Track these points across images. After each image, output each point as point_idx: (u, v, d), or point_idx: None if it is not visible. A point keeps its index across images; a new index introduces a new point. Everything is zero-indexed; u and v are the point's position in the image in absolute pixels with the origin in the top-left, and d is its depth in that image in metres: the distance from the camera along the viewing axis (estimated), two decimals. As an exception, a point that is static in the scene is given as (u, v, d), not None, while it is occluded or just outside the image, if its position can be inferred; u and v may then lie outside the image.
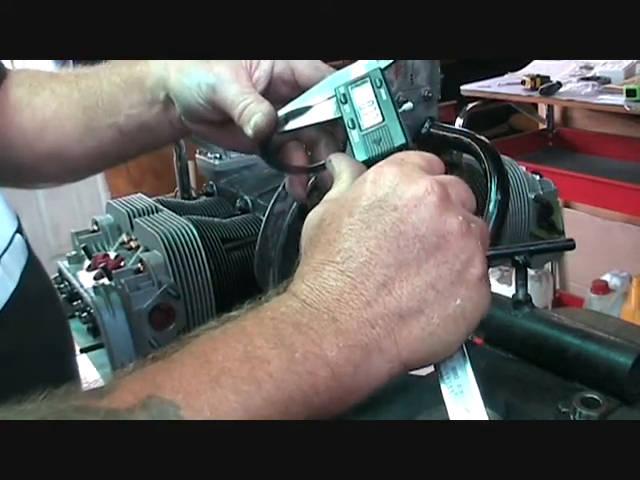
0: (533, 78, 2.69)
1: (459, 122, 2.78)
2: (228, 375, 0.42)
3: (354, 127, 0.56)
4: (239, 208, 1.01)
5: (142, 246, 0.91)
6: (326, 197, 0.53)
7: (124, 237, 0.97)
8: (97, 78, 0.75)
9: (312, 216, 0.52)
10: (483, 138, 0.83)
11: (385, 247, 0.46)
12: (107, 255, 0.96)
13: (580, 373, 0.59)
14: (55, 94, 0.76)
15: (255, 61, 0.67)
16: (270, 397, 0.42)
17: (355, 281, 0.45)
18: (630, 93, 2.33)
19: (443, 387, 0.48)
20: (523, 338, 0.63)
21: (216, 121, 0.69)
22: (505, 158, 0.92)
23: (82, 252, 0.96)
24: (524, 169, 1.06)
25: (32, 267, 0.68)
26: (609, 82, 2.54)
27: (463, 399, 0.48)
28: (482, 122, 3.11)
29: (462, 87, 2.90)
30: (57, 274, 0.97)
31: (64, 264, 0.98)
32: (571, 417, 0.54)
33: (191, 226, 0.89)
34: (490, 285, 0.48)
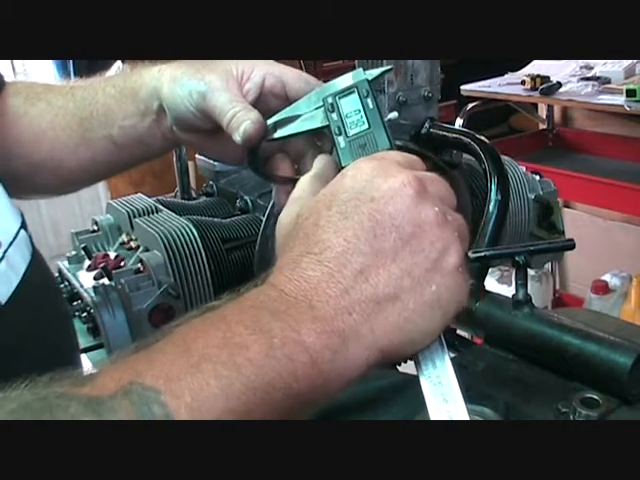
0: (533, 78, 2.69)
1: (459, 122, 2.78)
2: (208, 361, 0.42)
3: (340, 134, 0.58)
4: (239, 208, 1.01)
5: (142, 246, 0.91)
6: (290, 197, 0.55)
7: (124, 237, 0.97)
8: (92, 89, 0.77)
9: (285, 215, 0.53)
10: (483, 138, 0.83)
11: (362, 236, 0.47)
12: (107, 255, 0.95)
13: (580, 373, 0.59)
14: (51, 105, 0.78)
15: (246, 72, 0.69)
16: (250, 383, 0.42)
17: (332, 270, 0.46)
18: (630, 93, 2.33)
19: (422, 379, 0.48)
20: (523, 338, 0.63)
21: (206, 130, 0.70)
22: (505, 158, 0.92)
23: (82, 252, 0.96)
24: (524, 169, 1.06)
25: (36, 263, 0.68)
26: (609, 82, 2.54)
27: (441, 389, 0.48)
28: (482, 122, 3.11)
29: (462, 87, 2.90)
30: (57, 274, 0.97)
31: (64, 264, 0.98)
32: (571, 417, 0.54)
33: (191, 226, 0.89)
34: (467, 275, 0.49)
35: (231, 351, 0.43)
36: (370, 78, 0.60)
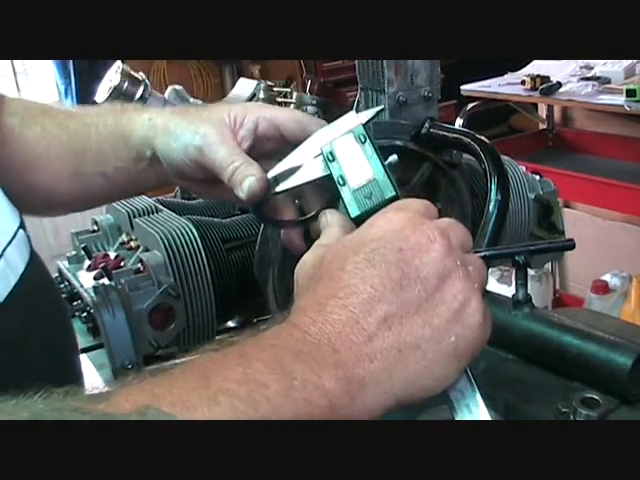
0: (533, 78, 2.69)
1: (459, 122, 2.78)
2: (226, 394, 0.42)
3: (344, 184, 0.58)
4: (239, 208, 1.01)
5: (142, 246, 0.91)
6: (316, 243, 0.56)
7: (124, 237, 0.97)
8: (85, 125, 0.77)
9: (308, 258, 0.54)
10: (483, 138, 0.83)
11: (389, 285, 0.48)
12: (107, 255, 0.96)
13: (580, 373, 0.59)
14: (45, 132, 0.78)
15: (239, 119, 0.69)
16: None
17: (358, 316, 0.47)
18: (630, 93, 2.33)
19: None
20: (523, 338, 0.63)
21: (203, 179, 0.71)
22: (505, 158, 0.92)
23: (82, 252, 0.96)
24: (524, 169, 1.06)
25: (35, 263, 0.68)
26: (609, 82, 2.55)
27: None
28: (482, 122, 3.11)
29: (462, 87, 2.91)
30: (57, 274, 0.97)
31: (64, 264, 0.98)
32: (571, 417, 0.54)
33: (191, 226, 0.89)
34: (489, 325, 0.50)
35: (250, 387, 0.43)
36: (364, 121, 0.60)
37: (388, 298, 0.47)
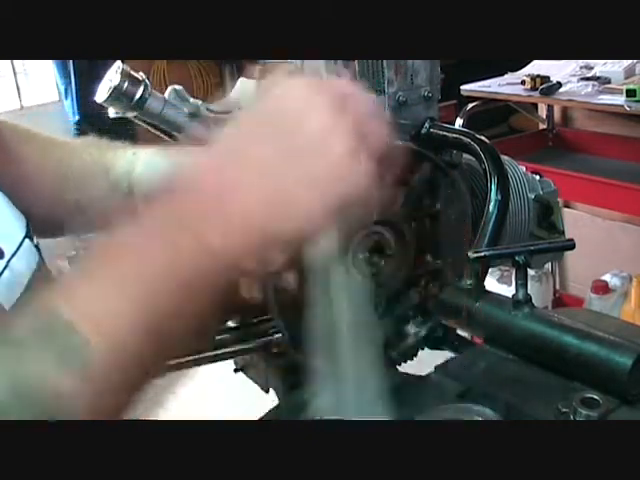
0: (533, 78, 2.69)
1: (459, 122, 2.78)
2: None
3: None
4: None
5: (142, 246, 0.91)
6: None
7: (124, 237, 0.97)
8: (70, 151, 0.79)
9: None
10: (483, 138, 0.83)
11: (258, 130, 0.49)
12: (107, 255, 0.95)
13: (580, 373, 0.59)
14: (30, 157, 0.78)
15: None
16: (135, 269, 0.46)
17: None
18: (630, 93, 2.33)
19: None
20: (523, 338, 0.63)
21: None
22: (505, 158, 0.92)
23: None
24: (524, 169, 1.06)
25: (42, 272, 0.68)
26: (609, 82, 2.54)
27: None
28: (482, 122, 3.11)
29: (462, 87, 2.91)
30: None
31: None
32: (571, 417, 0.54)
33: (191, 226, 0.89)
34: (359, 167, 0.46)
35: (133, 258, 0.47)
36: None
37: (249, 138, 0.48)
